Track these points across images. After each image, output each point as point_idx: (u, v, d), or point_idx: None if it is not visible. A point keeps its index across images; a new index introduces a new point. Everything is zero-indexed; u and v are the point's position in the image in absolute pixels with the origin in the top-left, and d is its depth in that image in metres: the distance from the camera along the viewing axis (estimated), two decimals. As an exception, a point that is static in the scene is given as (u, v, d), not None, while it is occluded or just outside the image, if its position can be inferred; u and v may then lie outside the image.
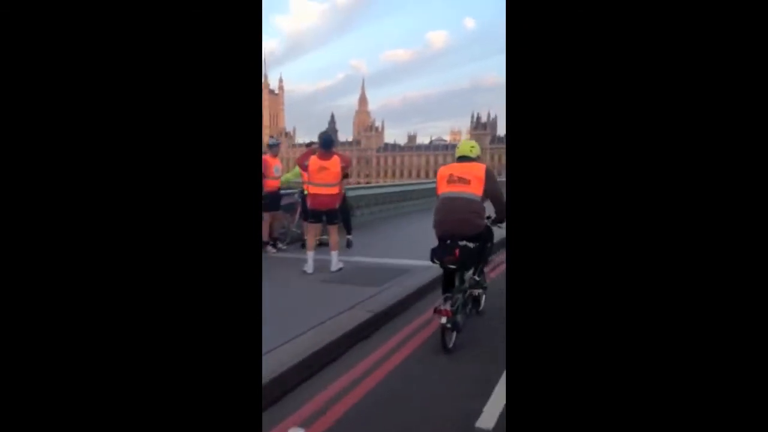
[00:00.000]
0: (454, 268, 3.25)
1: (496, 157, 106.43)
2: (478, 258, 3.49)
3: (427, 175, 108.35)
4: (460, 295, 3.25)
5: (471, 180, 3.29)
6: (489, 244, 3.65)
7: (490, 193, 3.33)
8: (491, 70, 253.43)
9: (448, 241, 3.25)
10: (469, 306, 3.53)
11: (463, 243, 3.21)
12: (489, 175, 3.32)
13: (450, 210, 3.30)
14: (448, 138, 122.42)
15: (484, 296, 3.96)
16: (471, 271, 3.57)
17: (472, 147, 3.53)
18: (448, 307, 3.00)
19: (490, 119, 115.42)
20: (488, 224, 3.55)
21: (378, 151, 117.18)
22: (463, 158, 3.47)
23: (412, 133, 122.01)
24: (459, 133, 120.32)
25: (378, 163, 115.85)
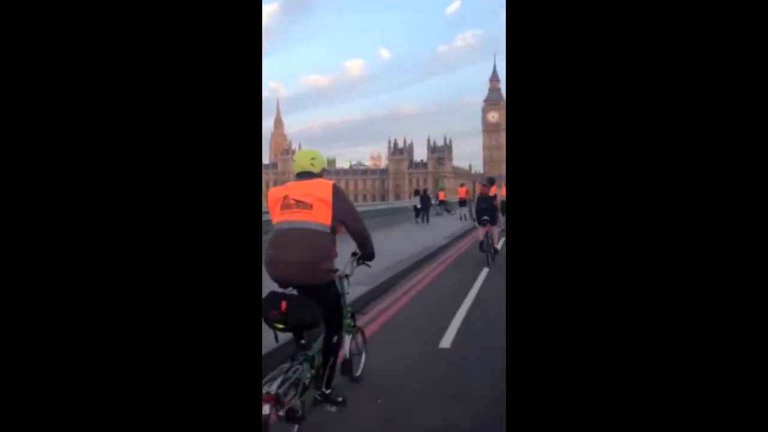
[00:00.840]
0: (282, 328, 2.22)
1: (414, 181, 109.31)
2: (325, 315, 2.37)
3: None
4: (300, 367, 2.22)
5: (313, 204, 2.28)
6: (345, 293, 2.72)
7: (342, 219, 2.36)
8: (407, 99, 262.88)
9: (278, 290, 2.29)
10: (326, 380, 2.42)
11: (290, 292, 2.26)
12: (338, 195, 2.32)
13: (282, 246, 2.26)
14: (368, 163, 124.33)
15: (364, 355, 3.03)
16: (323, 332, 2.50)
17: (314, 159, 2.45)
18: (273, 389, 1.97)
19: (407, 145, 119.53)
20: (347, 266, 2.70)
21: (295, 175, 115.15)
22: (303, 174, 2.42)
23: (331, 158, 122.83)
24: (378, 158, 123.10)
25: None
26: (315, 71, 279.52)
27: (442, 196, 21.83)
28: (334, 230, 2.34)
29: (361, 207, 16.38)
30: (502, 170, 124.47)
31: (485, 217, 7.37)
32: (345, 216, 2.38)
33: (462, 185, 20.72)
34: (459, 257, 8.47)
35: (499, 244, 7.98)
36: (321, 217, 2.28)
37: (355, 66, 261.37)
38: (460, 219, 17.02)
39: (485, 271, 6.81)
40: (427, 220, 16.02)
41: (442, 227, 13.44)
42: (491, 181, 8.55)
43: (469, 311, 4.63)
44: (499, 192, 9.63)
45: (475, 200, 8.30)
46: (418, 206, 16.42)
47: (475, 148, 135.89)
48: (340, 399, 2.47)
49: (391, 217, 16.44)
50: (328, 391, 2.43)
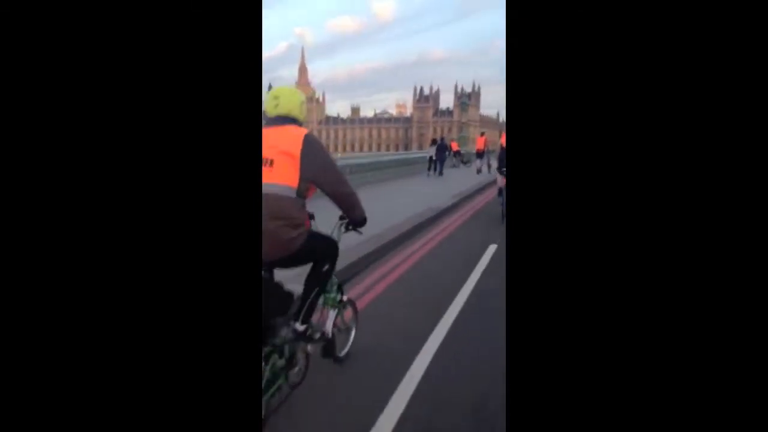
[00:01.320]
0: None
1: (439, 130, 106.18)
2: (303, 296, 2.08)
3: (370, 149, 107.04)
4: (272, 359, 1.93)
5: (276, 160, 1.84)
6: (324, 267, 2.12)
7: (314, 178, 1.90)
8: (437, 43, 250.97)
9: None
10: (303, 314, 2.08)
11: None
12: (309, 148, 1.86)
13: None
14: (393, 111, 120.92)
15: (353, 332, 2.63)
16: (294, 316, 2.07)
17: (277, 98, 1.97)
18: None
19: (433, 92, 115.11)
20: (323, 234, 2.14)
21: (320, 124, 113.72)
22: (272, 120, 1.96)
23: (355, 106, 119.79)
24: (404, 105, 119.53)
25: (320, 136, 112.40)
26: (343, 13, 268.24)
27: (455, 146, 19.88)
28: (302, 193, 1.90)
29: (368, 158, 15.00)
30: None
31: (505, 169, 6.55)
32: (319, 176, 1.92)
33: (482, 134, 17.86)
34: (465, 223, 6.98)
35: None
36: (285, 176, 1.85)
37: (384, 8, 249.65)
38: (478, 172, 15.48)
39: (492, 248, 5.21)
40: (441, 173, 14.48)
41: (455, 182, 11.87)
42: None
43: (455, 326, 3.05)
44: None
45: (498, 151, 7.27)
46: (434, 157, 14.89)
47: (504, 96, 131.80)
48: (317, 335, 2.19)
49: (402, 168, 14.92)
50: (301, 328, 2.06)
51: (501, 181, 6.78)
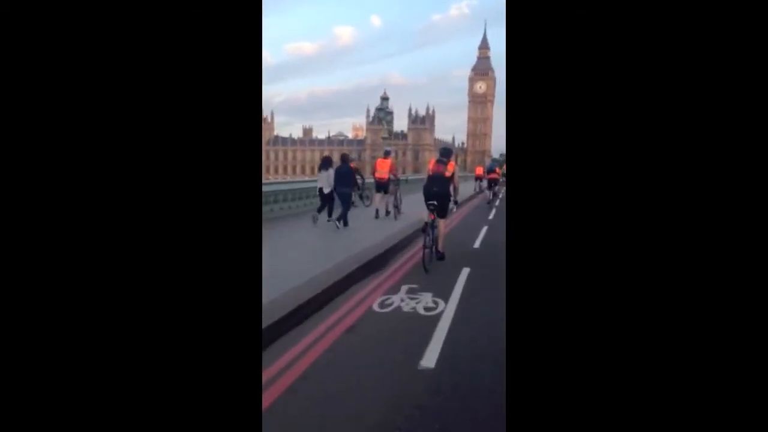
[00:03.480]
0: None
1: (393, 154, 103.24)
2: None
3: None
4: None
5: None
6: None
7: None
8: (396, 69, 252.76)
9: None
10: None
11: None
12: None
13: None
14: (350, 134, 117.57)
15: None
16: None
17: None
18: None
19: (386, 115, 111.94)
20: None
21: (267, 144, 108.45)
22: None
23: (307, 127, 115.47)
24: (361, 128, 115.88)
25: (267, 157, 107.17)
26: (302, 38, 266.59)
27: (382, 170, 10.17)
28: None
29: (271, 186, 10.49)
30: (486, 145, 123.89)
31: (432, 203, 5.68)
32: None
33: (386, 156, 10.53)
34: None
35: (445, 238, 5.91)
36: None
37: (344, 33, 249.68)
38: (378, 216, 9.80)
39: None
40: (345, 222, 8.34)
41: (359, 245, 7.44)
42: (447, 153, 6.11)
43: None
44: (458, 168, 6.25)
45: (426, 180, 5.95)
46: (326, 190, 8.58)
47: (461, 122, 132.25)
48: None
49: (304, 202, 10.55)
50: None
51: (428, 217, 5.72)
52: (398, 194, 10.68)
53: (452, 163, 5.94)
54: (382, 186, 9.90)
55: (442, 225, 5.99)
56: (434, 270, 5.60)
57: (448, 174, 5.79)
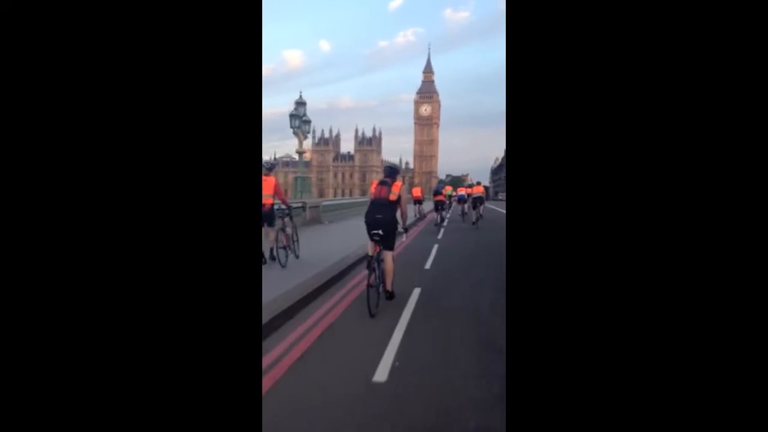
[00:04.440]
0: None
1: (339, 175, 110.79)
2: None
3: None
4: None
5: None
6: None
7: None
8: (345, 93, 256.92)
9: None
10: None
11: None
12: None
13: None
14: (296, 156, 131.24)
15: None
16: None
17: None
18: None
19: (333, 136, 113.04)
20: None
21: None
22: None
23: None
24: (306, 150, 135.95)
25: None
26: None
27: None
28: None
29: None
30: (433, 166, 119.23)
31: (377, 232, 4.41)
32: None
33: (268, 172, 6.27)
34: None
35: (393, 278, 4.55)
36: None
37: (293, 56, 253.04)
38: (266, 261, 6.10)
39: None
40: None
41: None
42: (392, 173, 4.74)
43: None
44: (406, 189, 5.58)
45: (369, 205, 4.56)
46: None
47: (409, 145, 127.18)
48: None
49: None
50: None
51: (372, 249, 4.43)
52: (292, 228, 6.79)
53: (398, 183, 4.66)
54: (266, 217, 6.06)
55: (390, 259, 4.54)
56: (382, 312, 4.17)
57: (393, 197, 4.49)
